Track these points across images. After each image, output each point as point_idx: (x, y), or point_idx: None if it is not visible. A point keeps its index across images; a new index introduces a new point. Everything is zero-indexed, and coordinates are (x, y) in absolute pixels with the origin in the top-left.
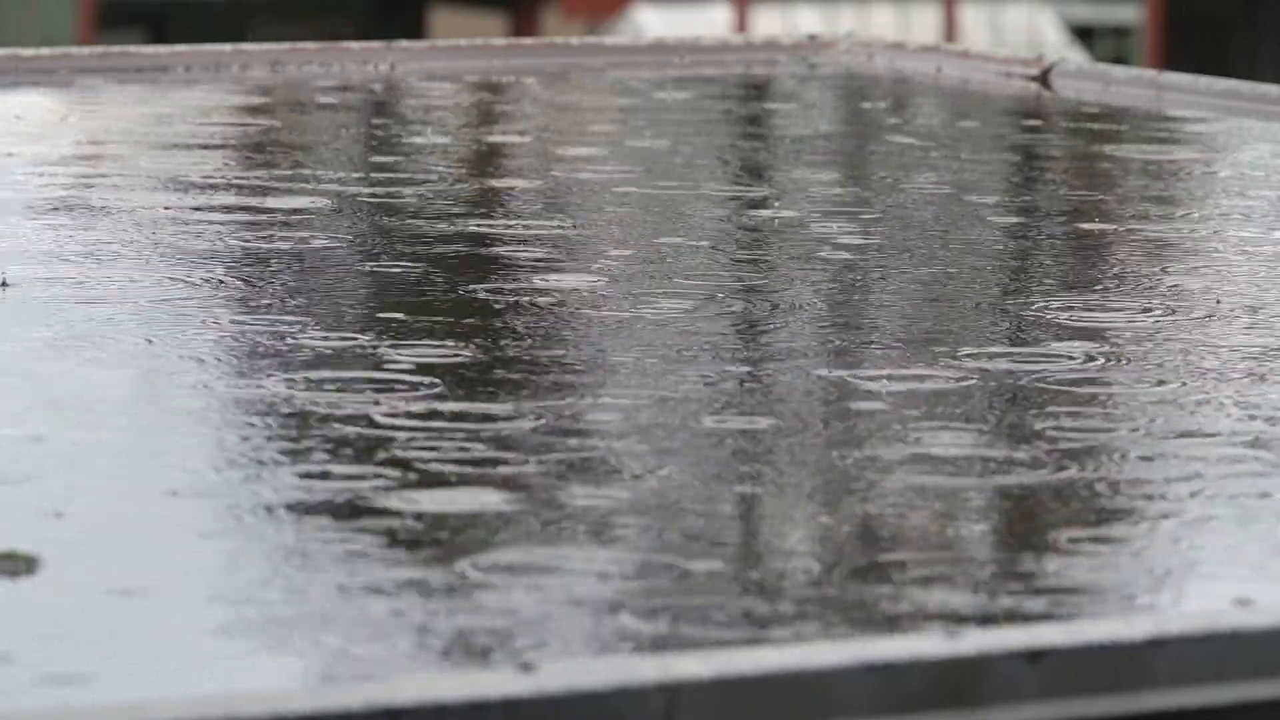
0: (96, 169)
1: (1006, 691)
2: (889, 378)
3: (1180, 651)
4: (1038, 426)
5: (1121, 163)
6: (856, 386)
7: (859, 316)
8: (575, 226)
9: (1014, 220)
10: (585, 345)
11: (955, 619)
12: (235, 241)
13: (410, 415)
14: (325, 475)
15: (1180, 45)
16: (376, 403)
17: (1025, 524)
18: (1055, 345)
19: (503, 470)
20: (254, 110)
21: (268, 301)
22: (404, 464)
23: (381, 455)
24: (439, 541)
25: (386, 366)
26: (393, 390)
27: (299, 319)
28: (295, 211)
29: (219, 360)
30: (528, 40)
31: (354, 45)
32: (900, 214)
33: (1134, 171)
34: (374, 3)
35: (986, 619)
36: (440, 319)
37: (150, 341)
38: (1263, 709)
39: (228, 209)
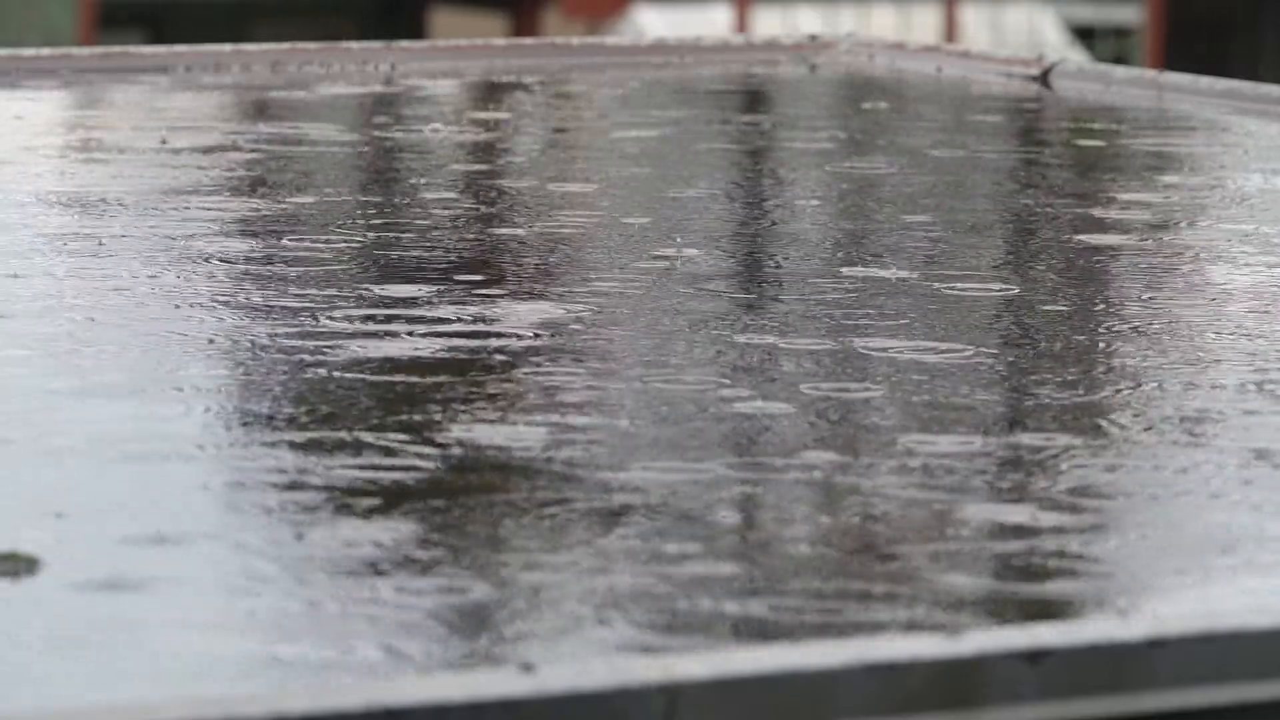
0: (97, 167)
1: (1006, 692)
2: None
3: (1180, 651)
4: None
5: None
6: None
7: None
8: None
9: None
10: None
11: (956, 618)
12: (234, 242)
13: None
14: (326, 471)
15: (1180, 45)
16: (381, 399)
17: (1025, 522)
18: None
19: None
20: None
21: (272, 300)
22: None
23: (383, 460)
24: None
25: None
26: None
27: (305, 319)
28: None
29: (220, 360)
30: (528, 41)
31: (354, 45)
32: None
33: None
34: (375, 3)
35: (987, 619)
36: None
37: (151, 341)
38: (1263, 709)
39: (226, 207)
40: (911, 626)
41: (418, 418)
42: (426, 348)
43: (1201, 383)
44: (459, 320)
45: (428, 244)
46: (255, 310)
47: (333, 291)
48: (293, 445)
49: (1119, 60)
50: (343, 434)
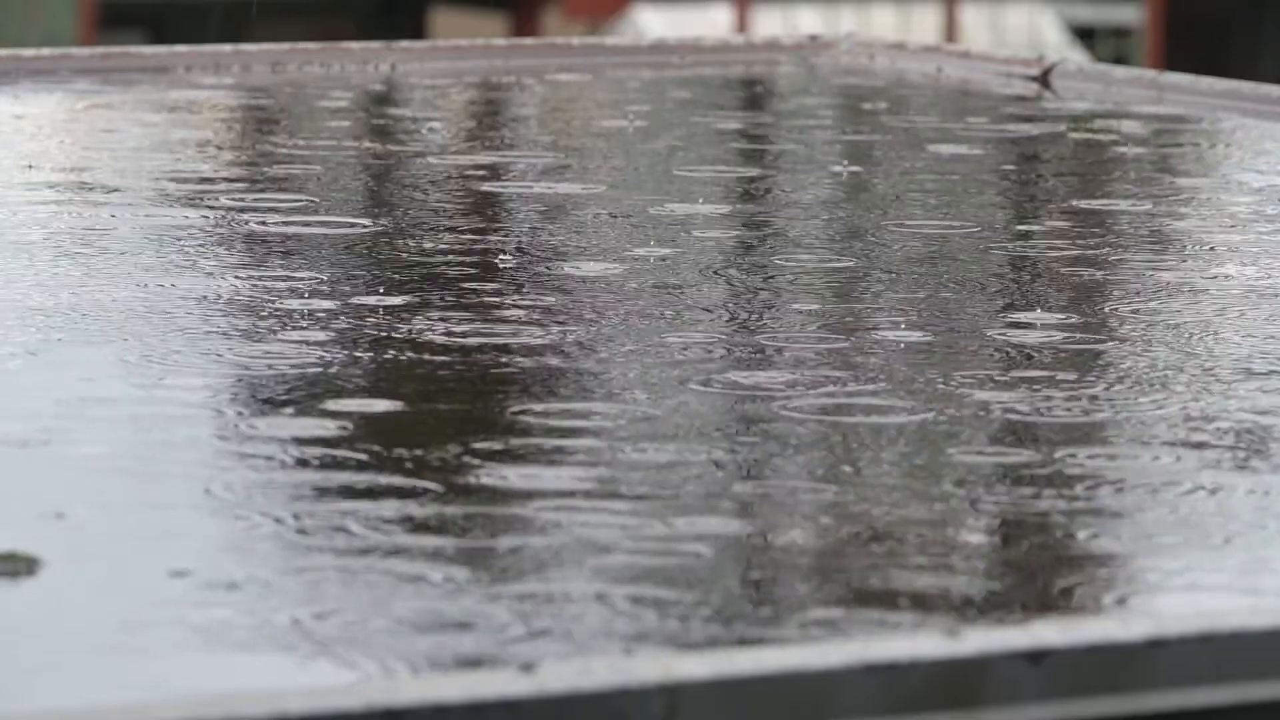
0: (96, 168)
1: (1006, 692)
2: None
3: (1180, 651)
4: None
5: None
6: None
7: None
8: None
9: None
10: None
11: (956, 618)
12: (234, 240)
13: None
14: (326, 466)
15: (1180, 45)
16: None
17: (1024, 524)
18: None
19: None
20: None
21: (272, 305)
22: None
23: (381, 455)
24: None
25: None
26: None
27: (305, 323)
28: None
29: (221, 362)
30: (528, 41)
31: (354, 46)
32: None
33: None
34: (375, 3)
35: (987, 619)
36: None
37: (151, 343)
38: (1263, 709)
39: (225, 209)
40: (912, 627)
41: (415, 417)
42: (424, 350)
43: (1203, 382)
44: (459, 326)
45: (429, 246)
46: (254, 311)
47: (330, 297)
48: (296, 446)
49: (1119, 60)
50: (357, 446)
